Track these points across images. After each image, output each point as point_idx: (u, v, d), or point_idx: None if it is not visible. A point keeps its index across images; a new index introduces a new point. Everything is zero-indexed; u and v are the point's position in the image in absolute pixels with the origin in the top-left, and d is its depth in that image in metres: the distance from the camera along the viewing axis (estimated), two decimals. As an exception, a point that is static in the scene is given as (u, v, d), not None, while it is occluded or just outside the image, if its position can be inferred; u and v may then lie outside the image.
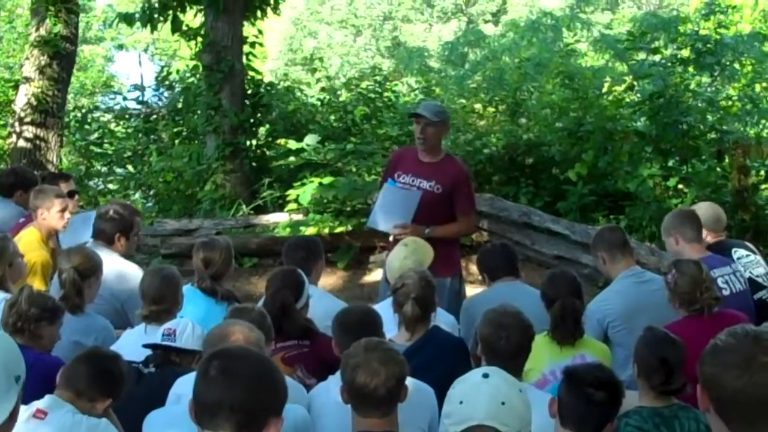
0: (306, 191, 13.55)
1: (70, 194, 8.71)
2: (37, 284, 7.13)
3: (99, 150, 19.54)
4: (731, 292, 6.75)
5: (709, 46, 14.49)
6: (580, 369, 4.55)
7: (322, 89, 18.98)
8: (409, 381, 4.47)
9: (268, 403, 3.27)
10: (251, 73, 16.84)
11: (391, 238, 8.33)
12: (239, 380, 3.21)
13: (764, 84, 15.90)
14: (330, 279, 12.39)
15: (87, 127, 19.86)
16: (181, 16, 16.11)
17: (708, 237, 7.56)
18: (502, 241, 9.81)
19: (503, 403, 3.16)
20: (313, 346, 5.95)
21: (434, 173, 8.27)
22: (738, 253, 7.52)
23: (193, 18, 16.78)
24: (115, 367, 4.77)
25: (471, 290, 10.93)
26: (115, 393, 4.74)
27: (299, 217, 13.83)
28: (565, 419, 4.29)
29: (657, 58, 14.98)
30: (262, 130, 16.98)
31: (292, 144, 15.06)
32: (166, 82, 19.78)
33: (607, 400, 4.36)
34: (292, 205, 13.95)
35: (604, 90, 16.04)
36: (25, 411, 4.44)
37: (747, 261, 7.47)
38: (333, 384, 4.86)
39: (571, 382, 4.36)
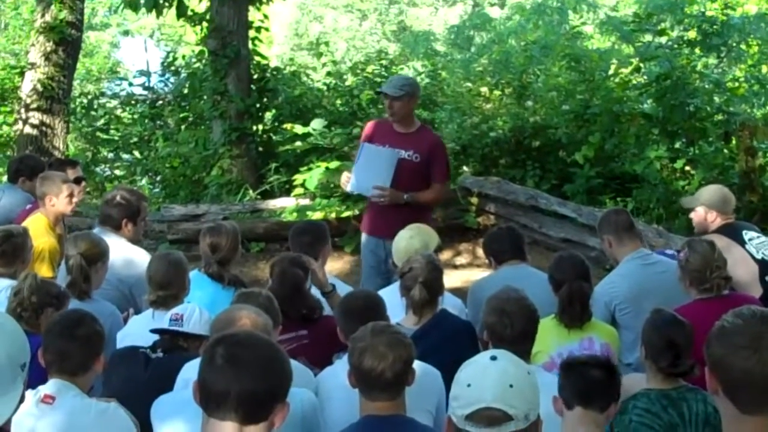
0: (312, 176, 13.54)
1: (77, 180, 8.70)
2: (45, 270, 7.15)
3: (105, 136, 19.56)
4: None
5: (715, 27, 14.46)
6: (572, 356, 4.60)
7: (328, 74, 18.94)
8: (417, 364, 4.47)
9: (274, 390, 3.25)
10: (257, 58, 16.82)
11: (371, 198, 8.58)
12: (246, 369, 3.19)
13: (771, 65, 15.87)
14: (337, 263, 12.39)
15: (93, 113, 19.88)
16: (186, 1, 16.05)
17: (717, 219, 7.53)
18: (509, 224, 9.79)
19: (511, 386, 3.15)
20: (311, 336, 5.96)
21: (411, 142, 8.49)
22: (749, 234, 7.50)
23: (198, 3, 16.74)
24: (89, 328, 4.80)
25: (478, 274, 10.95)
26: (101, 347, 4.81)
27: (306, 201, 13.82)
28: (569, 406, 4.30)
29: (663, 39, 14.97)
30: (268, 115, 16.96)
31: (299, 129, 15.04)
32: (172, 68, 19.75)
33: (604, 377, 4.38)
34: (299, 190, 13.94)
35: (611, 72, 16.02)
36: (32, 395, 4.45)
37: (759, 242, 7.45)
38: (340, 368, 4.86)
39: (567, 368, 4.39)
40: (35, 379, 4.79)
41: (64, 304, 5.71)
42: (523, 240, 7.28)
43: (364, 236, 8.96)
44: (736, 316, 3.15)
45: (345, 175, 8.83)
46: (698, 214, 7.55)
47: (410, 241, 6.98)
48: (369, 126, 9.10)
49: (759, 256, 7.25)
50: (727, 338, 3.11)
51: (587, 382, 4.33)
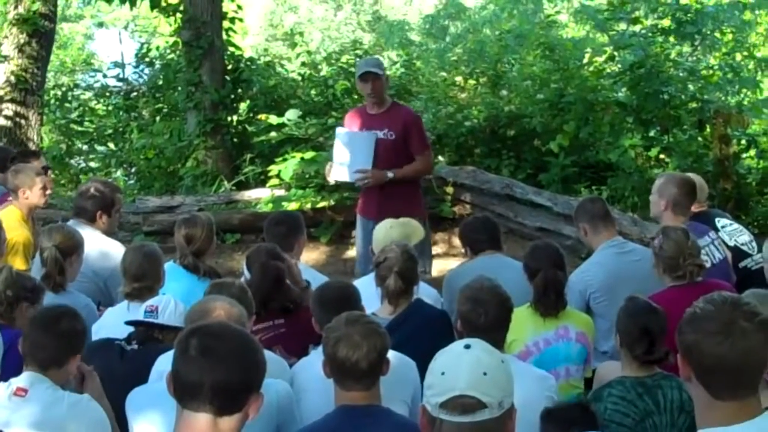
0: (288, 166, 13.52)
1: (44, 170, 8.66)
2: (19, 263, 7.13)
3: (80, 128, 19.44)
4: (711, 264, 6.77)
5: (689, 15, 14.47)
6: (556, 408, 4.65)
7: (303, 64, 18.90)
8: (392, 354, 4.48)
9: (249, 382, 3.26)
10: (231, 48, 16.75)
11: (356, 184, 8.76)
12: (219, 360, 3.20)
13: (745, 53, 15.92)
14: (313, 254, 12.39)
15: (67, 105, 19.76)
16: (159, -8, 16.03)
17: (689, 210, 7.56)
18: (485, 214, 9.83)
19: (485, 374, 3.15)
20: (288, 325, 5.96)
21: (384, 121, 8.60)
22: (722, 222, 7.56)
23: (172, -6, 16.70)
24: (68, 324, 4.77)
25: (454, 263, 10.96)
26: (79, 346, 4.77)
27: (281, 192, 13.80)
28: None
29: (637, 28, 14.97)
30: (242, 106, 16.91)
31: (273, 119, 15.01)
32: (146, 59, 19.65)
33: (582, 417, 4.49)
34: (274, 181, 13.93)
35: (585, 61, 16.03)
36: (5, 389, 4.45)
37: (731, 229, 7.50)
38: (315, 358, 4.86)
39: (548, 416, 4.46)
40: (10, 371, 4.80)
41: (39, 297, 5.69)
42: (499, 230, 7.31)
43: (359, 219, 9.04)
44: (707, 302, 3.18)
45: (328, 166, 8.90)
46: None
47: (389, 231, 6.99)
48: (347, 116, 9.18)
49: (732, 243, 7.32)
50: (699, 324, 3.13)
51: (569, 420, 4.39)
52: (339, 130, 8.85)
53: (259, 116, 15.83)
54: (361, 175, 8.49)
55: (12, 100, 16.81)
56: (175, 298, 5.61)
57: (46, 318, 4.80)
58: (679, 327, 3.23)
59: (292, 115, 15.00)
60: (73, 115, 19.58)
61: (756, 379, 3.17)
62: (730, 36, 15.55)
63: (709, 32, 14.98)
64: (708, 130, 13.75)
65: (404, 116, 8.81)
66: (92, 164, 19.35)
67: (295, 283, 6.46)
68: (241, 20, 17.60)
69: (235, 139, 16.39)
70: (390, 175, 8.47)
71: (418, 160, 8.71)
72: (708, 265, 6.59)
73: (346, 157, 8.58)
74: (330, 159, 8.97)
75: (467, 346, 3.27)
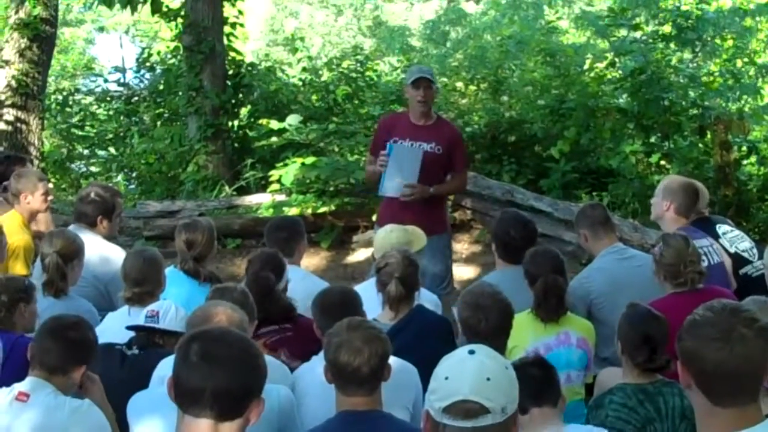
0: (288, 172, 13.53)
1: None
2: (19, 268, 7.13)
3: (81, 132, 19.47)
4: (709, 264, 6.75)
5: (690, 21, 14.49)
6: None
7: (304, 69, 18.94)
8: (393, 360, 4.47)
9: (249, 387, 3.27)
10: (232, 53, 16.79)
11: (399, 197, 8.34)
12: (220, 366, 3.21)
13: (745, 59, 15.93)
14: (313, 259, 12.39)
15: (68, 109, 19.81)
16: (160, -3, 16.05)
17: (692, 213, 7.55)
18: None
19: (488, 379, 3.16)
20: (295, 330, 5.95)
21: (433, 134, 8.42)
22: (723, 228, 7.53)
23: (172, -1, 16.74)
24: (79, 333, 4.78)
25: (455, 269, 10.95)
26: (86, 358, 4.76)
27: (282, 197, 13.80)
28: (523, 411, 4.34)
29: (638, 34, 15.00)
30: (243, 111, 16.95)
31: (274, 124, 15.04)
32: (147, 64, 19.68)
33: (545, 374, 4.45)
34: (275, 186, 13.92)
35: (586, 67, 16.06)
36: (6, 394, 4.46)
37: (732, 236, 7.48)
38: (317, 364, 4.85)
39: None
40: (11, 376, 4.81)
41: (33, 295, 5.71)
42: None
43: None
44: (706, 309, 3.19)
45: (370, 173, 8.77)
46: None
47: (389, 234, 6.96)
48: (386, 121, 9.08)
49: (732, 250, 7.30)
50: (699, 331, 3.14)
51: (535, 381, 4.35)
52: (394, 144, 8.39)
53: (260, 121, 15.86)
54: (409, 190, 8.25)
55: (13, 105, 16.79)
56: (176, 303, 5.61)
57: (58, 325, 4.81)
58: (678, 334, 3.24)
59: (292, 120, 15.02)
60: (74, 120, 19.62)
61: (756, 385, 3.17)
62: (730, 42, 15.58)
63: (709, 39, 15.01)
64: (709, 136, 13.78)
65: (451, 131, 8.73)
66: (93, 169, 19.37)
67: None
68: (242, 25, 17.63)
69: (236, 144, 16.42)
70: (431, 190, 8.31)
71: (457, 178, 8.64)
72: (705, 264, 6.57)
73: (397, 171, 8.32)
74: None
75: (471, 352, 3.27)
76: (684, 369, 3.21)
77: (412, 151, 8.33)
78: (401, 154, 8.30)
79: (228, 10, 16.63)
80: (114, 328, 5.85)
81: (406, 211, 8.07)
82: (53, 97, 19.82)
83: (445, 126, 8.80)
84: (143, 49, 21.71)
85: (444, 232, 8.50)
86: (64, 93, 20.66)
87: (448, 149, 8.44)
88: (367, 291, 6.08)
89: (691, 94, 14.36)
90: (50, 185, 8.33)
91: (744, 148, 13.79)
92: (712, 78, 15.01)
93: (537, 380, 4.38)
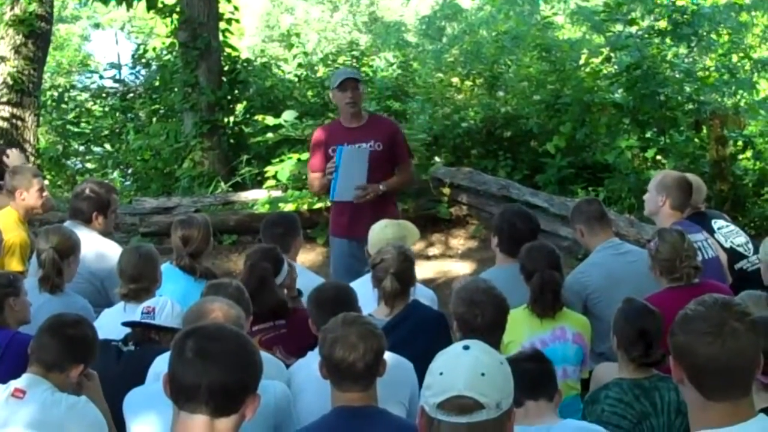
0: (284, 167, 13.53)
1: None
2: (15, 265, 7.14)
3: (76, 129, 19.45)
4: (704, 259, 6.76)
5: (686, 16, 14.49)
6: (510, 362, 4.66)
7: (300, 65, 18.91)
8: (389, 356, 4.48)
9: (245, 383, 3.27)
10: (228, 49, 16.77)
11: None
12: (215, 362, 3.21)
13: (741, 54, 15.92)
14: (309, 255, 12.39)
15: (64, 106, 19.78)
16: (156, -7, 16.03)
17: (687, 208, 7.56)
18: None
19: (483, 374, 3.15)
20: (289, 326, 5.95)
21: (370, 133, 8.39)
22: (718, 223, 7.54)
23: (168, -5, 16.70)
24: (78, 331, 4.79)
25: (450, 265, 10.95)
26: (85, 357, 4.77)
27: (278, 193, 13.79)
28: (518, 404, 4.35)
29: (634, 29, 14.98)
30: (239, 107, 16.94)
31: (270, 120, 15.01)
32: (143, 60, 19.67)
33: (542, 367, 4.53)
34: (271, 182, 13.92)
35: (581, 62, 16.07)
36: (3, 390, 4.46)
37: (727, 231, 7.50)
38: (313, 359, 4.85)
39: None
40: (6, 373, 4.81)
41: (20, 287, 5.73)
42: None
43: (337, 241, 8.70)
44: (698, 303, 3.20)
45: (318, 183, 8.62)
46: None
47: (384, 230, 6.96)
48: (318, 135, 8.78)
49: (728, 245, 7.31)
50: (690, 326, 3.15)
51: (531, 375, 4.37)
52: (343, 147, 8.26)
53: (256, 117, 15.83)
54: (362, 192, 8.22)
55: (8, 102, 16.74)
56: (172, 299, 5.62)
57: (57, 322, 4.82)
58: (670, 329, 3.25)
59: (288, 116, 15.00)
60: (70, 117, 19.59)
61: (748, 379, 3.18)
62: (726, 37, 15.58)
63: (705, 34, 15.01)
64: (704, 131, 13.79)
65: (387, 125, 8.76)
66: (89, 165, 19.37)
67: (289, 289, 6.44)
68: (237, 21, 17.60)
69: (232, 141, 16.40)
70: (382, 188, 8.27)
71: (403, 170, 8.59)
72: (699, 259, 6.57)
73: (347, 175, 8.23)
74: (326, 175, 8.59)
75: (466, 347, 3.27)
76: (676, 364, 3.22)
77: (359, 152, 8.27)
78: (349, 157, 8.21)
79: (223, 6, 16.59)
80: (110, 324, 5.85)
81: (360, 214, 8.05)
82: (49, 93, 19.81)
83: (381, 121, 8.86)
84: (139, 45, 21.66)
85: None
86: (60, 89, 20.64)
87: (390, 144, 8.43)
88: (363, 286, 6.09)
89: (687, 89, 14.35)
90: (46, 182, 8.34)
91: (740, 143, 13.79)
92: (707, 73, 15.01)
93: (533, 374, 4.40)
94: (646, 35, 14.76)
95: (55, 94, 20.05)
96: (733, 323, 3.11)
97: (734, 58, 15.70)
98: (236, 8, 17.25)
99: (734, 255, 7.29)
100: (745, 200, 13.08)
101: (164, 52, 18.46)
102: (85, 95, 20.68)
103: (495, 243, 7.07)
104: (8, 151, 9.03)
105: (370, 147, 8.31)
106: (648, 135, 14.22)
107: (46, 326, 4.79)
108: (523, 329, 5.88)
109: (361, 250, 7.70)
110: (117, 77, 20.77)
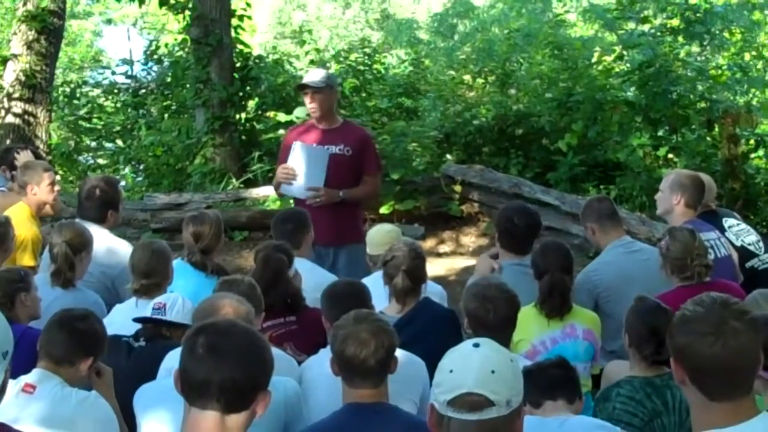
0: (295, 164, 13.53)
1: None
2: (27, 260, 7.13)
3: (88, 125, 19.48)
4: (715, 257, 6.74)
5: (698, 15, 14.48)
6: (536, 369, 4.64)
7: (311, 62, 18.94)
8: (400, 353, 4.48)
9: (256, 379, 3.25)
10: (240, 46, 16.76)
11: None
12: (226, 358, 3.19)
13: (753, 52, 15.91)
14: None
15: (76, 102, 19.81)
16: (168, -11, 16.05)
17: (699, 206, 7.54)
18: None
19: (493, 372, 3.15)
20: (300, 322, 5.95)
21: (340, 137, 8.25)
22: (729, 222, 7.53)
23: (181, -9, 16.71)
24: (86, 324, 4.80)
25: (461, 262, 10.95)
26: (93, 350, 4.78)
27: (289, 190, 13.79)
28: (537, 405, 4.35)
29: (646, 27, 14.98)
30: (251, 104, 16.93)
31: (282, 117, 15.04)
32: (155, 56, 19.71)
33: (564, 374, 4.53)
34: (282, 179, 13.91)
35: (594, 60, 16.05)
36: (13, 385, 4.46)
37: (738, 229, 7.48)
38: (324, 356, 4.84)
39: (528, 373, 4.42)
40: (17, 368, 4.81)
41: (30, 282, 5.77)
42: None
43: None
44: (696, 304, 3.21)
45: (277, 178, 8.44)
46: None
47: (389, 232, 7.02)
48: (290, 135, 8.73)
49: (738, 243, 7.29)
50: (690, 326, 3.15)
51: (553, 378, 4.39)
52: (298, 142, 8.23)
53: (268, 114, 15.85)
54: (314, 193, 8.04)
55: (21, 98, 16.81)
56: (183, 295, 5.63)
57: (66, 316, 4.84)
58: (669, 330, 3.24)
59: (300, 112, 14.99)
60: (82, 112, 19.63)
61: (749, 378, 3.18)
62: (738, 36, 15.58)
63: (718, 32, 15.00)
64: (716, 129, 13.77)
65: (360, 134, 8.58)
66: (100, 161, 19.39)
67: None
68: (249, 18, 17.60)
69: (244, 137, 16.39)
70: (341, 195, 8.08)
71: (369, 182, 8.37)
72: (711, 257, 6.55)
73: (301, 172, 8.11)
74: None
75: (476, 345, 3.27)
76: (677, 365, 3.22)
77: (316, 151, 8.14)
78: (304, 153, 8.11)
79: (236, 3, 16.60)
80: (121, 320, 5.87)
81: (318, 218, 7.64)
82: (61, 89, 19.85)
83: (354, 128, 8.70)
84: (151, 41, 21.73)
85: (360, 241, 7.92)
86: (72, 85, 20.69)
87: (359, 151, 8.24)
88: (374, 284, 6.09)
89: (699, 87, 14.34)
90: (57, 176, 8.34)
91: (752, 142, 13.78)
92: (720, 71, 15.00)
93: (556, 377, 4.42)
94: (659, 33, 14.77)
95: (68, 90, 20.09)
96: (732, 322, 3.11)
97: (747, 56, 15.72)
98: (248, 5, 17.26)
99: (745, 253, 7.27)
100: (756, 199, 13.07)
101: (176, 48, 18.48)
102: (97, 91, 20.74)
103: (496, 238, 7.10)
104: (21, 151, 9.03)
105: (338, 150, 8.16)
106: (660, 133, 14.22)
107: (55, 321, 4.81)
108: (532, 327, 5.87)
109: (327, 255, 7.92)
110: (129, 73, 20.81)
